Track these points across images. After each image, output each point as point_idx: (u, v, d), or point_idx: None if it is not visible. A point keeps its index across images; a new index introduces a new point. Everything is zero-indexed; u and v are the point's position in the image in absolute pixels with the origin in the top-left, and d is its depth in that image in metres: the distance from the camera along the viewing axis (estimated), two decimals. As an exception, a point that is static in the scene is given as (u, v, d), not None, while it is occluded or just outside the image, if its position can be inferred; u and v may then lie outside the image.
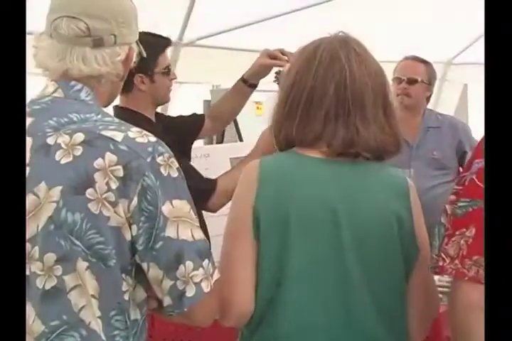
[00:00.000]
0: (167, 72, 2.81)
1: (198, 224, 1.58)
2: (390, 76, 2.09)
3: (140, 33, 2.81)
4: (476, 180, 1.59)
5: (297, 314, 1.71)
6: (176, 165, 1.57)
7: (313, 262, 1.71)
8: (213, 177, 2.81)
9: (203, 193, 2.68)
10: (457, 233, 1.58)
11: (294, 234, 1.70)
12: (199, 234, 1.57)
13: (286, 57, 2.86)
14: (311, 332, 1.71)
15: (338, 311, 1.71)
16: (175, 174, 1.56)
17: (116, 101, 2.77)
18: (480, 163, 1.59)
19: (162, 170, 1.54)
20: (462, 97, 7.72)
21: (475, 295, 1.54)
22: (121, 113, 2.69)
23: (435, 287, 1.88)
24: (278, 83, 2.82)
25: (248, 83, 3.03)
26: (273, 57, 2.90)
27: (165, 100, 2.94)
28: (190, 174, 2.74)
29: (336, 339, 1.72)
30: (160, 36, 2.81)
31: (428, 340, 1.87)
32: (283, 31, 5.16)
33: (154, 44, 2.71)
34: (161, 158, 1.54)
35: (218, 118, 3.17)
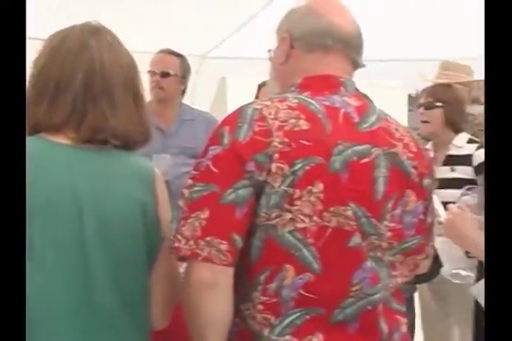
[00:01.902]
0: None
1: None
2: (141, 67, 2.12)
3: None
4: (211, 165, 1.67)
5: (37, 300, 1.66)
6: None
7: (55, 252, 1.69)
8: None
9: None
10: (192, 215, 1.65)
11: (37, 222, 1.67)
12: None
13: None
14: (52, 319, 1.68)
15: (80, 300, 1.70)
16: None
17: None
18: (214, 150, 1.67)
19: None
20: (220, 90, 7.90)
21: (207, 274, 1.64)
22: None
23: (179, 274, 1.91)
24: None
25: None
26: None
27: None
28: None
29: (79, 329, 1.71)
30: None
31: (169, 326, 1.91)
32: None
33: None
34: None
35: None
